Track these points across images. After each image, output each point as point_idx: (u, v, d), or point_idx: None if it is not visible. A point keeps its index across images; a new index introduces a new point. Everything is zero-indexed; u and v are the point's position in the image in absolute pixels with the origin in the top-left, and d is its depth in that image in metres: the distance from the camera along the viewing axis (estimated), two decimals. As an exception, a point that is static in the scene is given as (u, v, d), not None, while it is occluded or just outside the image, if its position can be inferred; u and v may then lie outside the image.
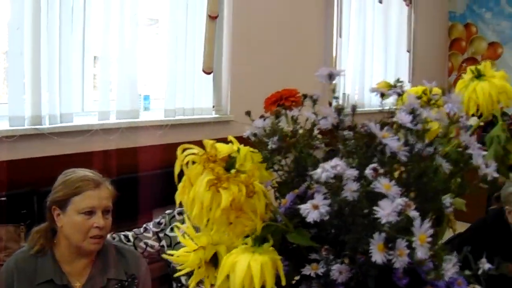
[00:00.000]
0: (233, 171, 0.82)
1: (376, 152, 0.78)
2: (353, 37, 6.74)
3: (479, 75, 1.04)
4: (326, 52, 6.17)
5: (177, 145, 0.93)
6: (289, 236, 0.81)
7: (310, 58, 5.95)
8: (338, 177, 0.72)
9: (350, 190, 0.71)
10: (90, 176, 2.13)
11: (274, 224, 0.84)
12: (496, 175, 0.87)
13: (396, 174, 0.82)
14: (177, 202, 0.87)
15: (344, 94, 6.53)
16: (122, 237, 2.77)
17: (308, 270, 0.82)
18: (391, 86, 1.17)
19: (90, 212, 2.06)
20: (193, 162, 0.84)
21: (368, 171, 0.71)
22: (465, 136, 0.90)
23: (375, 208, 0.67)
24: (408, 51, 8.11)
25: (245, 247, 0.84)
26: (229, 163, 0.82)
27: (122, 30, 4.02)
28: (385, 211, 0.67)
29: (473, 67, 1.05)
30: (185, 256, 0.95)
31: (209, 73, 4.61)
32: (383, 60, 7.49)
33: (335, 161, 0.73)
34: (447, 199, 0.81)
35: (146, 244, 2.77)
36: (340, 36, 6.28)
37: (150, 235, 2.81)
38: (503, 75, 1.04)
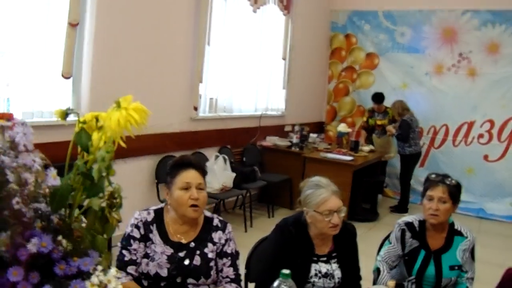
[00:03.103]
0: None
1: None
2: (223, 45, 7.10)
3: (119, 106, 1.35)
4: (193, 59, 6.47)
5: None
6: None
7: (176, 64, 6.26)
8: None
9: None
10: None
11: None
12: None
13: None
14: None
15: (211, 99, 6.87)
16: None
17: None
18: (64, 113, 1.43)
19: None
20: None
21: None
22: (26, 157, 1.19)
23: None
24: (284, 59, 8.49)
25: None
26: None
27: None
28: None
29: (117, 100, 1.35)
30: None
31: (67, 78, 4.81)
32: (256, 67, 7.84)
33: None
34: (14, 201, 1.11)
35: None
36: (209, 44, 6.59)
37: None
38: (136, 107, 1.34)
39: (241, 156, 7.73)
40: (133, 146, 5.84)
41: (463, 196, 3.44)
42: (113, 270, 1.27)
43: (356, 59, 10.17)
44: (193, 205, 2.68)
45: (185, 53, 6.37)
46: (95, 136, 1.41)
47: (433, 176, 3.31)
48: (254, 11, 7.49)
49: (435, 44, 9.33)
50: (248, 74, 7.75)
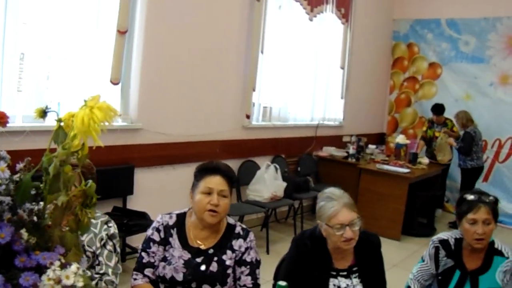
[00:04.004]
0: None
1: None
2: (278, 53, 7.08)
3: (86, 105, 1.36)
4: (246, 66, 6.47)
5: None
6: None
7: (228, 71, 6.30)
8: None
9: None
10: None
11: None
12: None
13: None
14: None
15: (265, 107, 6.86)
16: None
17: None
18: (43, 112, 1.44)
19: None
20: None
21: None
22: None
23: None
24: (342, 68, 8.39)
25: None
26: None
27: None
28: None
29: (86, 99, 1.36)
30: None
31: (116, 84, 4.90)
32: (313, 76, 7.77)
33: None
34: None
35: None
36: (262, 52, 6.59)
37: None
38: (101, 105, 1.35)
39: (296, 166, 7.68)
40: (183, 153, 5.86)
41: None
42: (73, 267, 1.27)
43: (418, 69, 9.94)
44: (211, 210, 2.66)
45: (237, 60, 6.39)
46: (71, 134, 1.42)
47: (468, 195, 3.05)
48: (311, 19, 7.42)
49: (501, 54, 8.97)
50: (304, 83, 7.69)
